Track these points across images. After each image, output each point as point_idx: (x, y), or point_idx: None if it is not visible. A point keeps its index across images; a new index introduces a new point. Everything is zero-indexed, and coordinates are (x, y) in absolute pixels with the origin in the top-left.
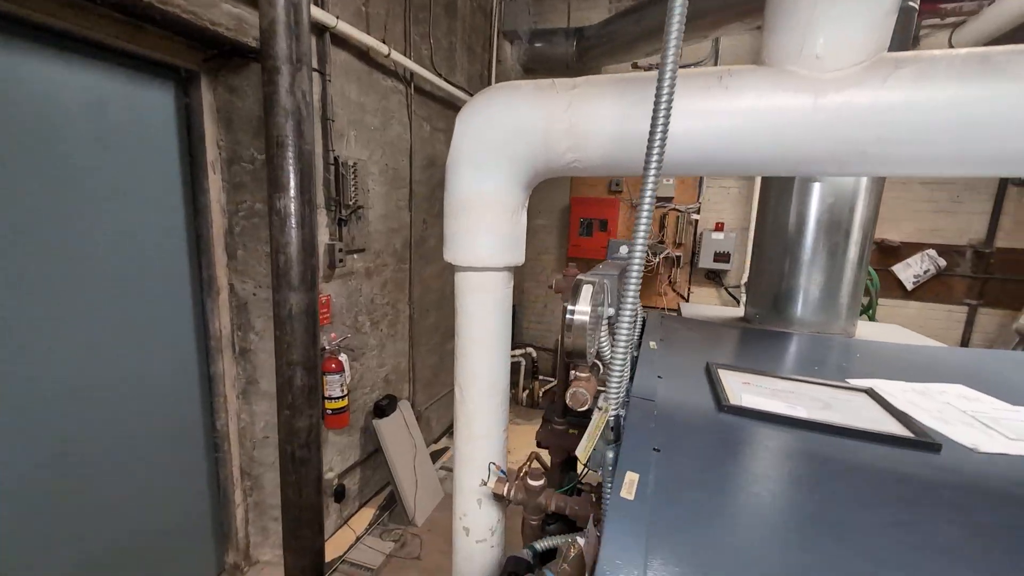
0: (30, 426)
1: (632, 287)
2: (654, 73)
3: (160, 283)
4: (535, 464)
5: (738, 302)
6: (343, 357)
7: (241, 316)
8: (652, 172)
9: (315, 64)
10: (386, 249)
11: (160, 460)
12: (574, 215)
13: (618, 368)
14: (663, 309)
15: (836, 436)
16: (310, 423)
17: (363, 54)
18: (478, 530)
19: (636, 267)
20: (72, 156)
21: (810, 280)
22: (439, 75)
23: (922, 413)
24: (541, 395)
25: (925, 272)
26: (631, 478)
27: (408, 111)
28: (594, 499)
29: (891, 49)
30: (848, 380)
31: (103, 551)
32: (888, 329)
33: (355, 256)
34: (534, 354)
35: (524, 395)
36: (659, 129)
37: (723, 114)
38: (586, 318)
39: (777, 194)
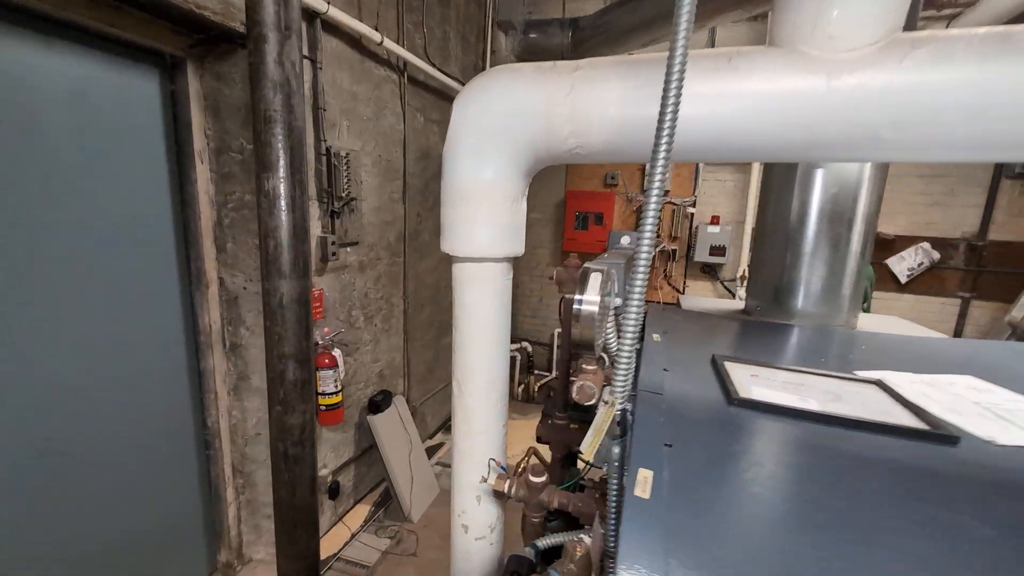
0: (12, 425)
1: (640, 275)
2: (660, 54)
3: (147, 277)
4: (534, 460)
5: (733, 295)
6: (337, 352)
7: (231, 310)
8: (661, 156)
9: (306, 51)
10: (380, 242)
11: (149, 458)
12: (569, 209)
13: (625, 360)
14: (659, 303)
15: (851, 429)
16: (303, 420)
17: (355, 42)
18: (477, 528)
19: (644, 254)
20: (52, 146)
21: (812, 272)
22: (433, 65)
23: (934, 405)
24: (536, 390)
25: (919, 265)
26: (644, 475)
27: (401, 101)
28: (598, 496)
29: None
30: (856, 372)
31: (91, 551)
32: (888, 321)
33: (348, 249)
34: (529, 349)
35: (519, 390)
36: (669, 111)
37: (731, 96)
38: (595, 308)
39: (779, 184)
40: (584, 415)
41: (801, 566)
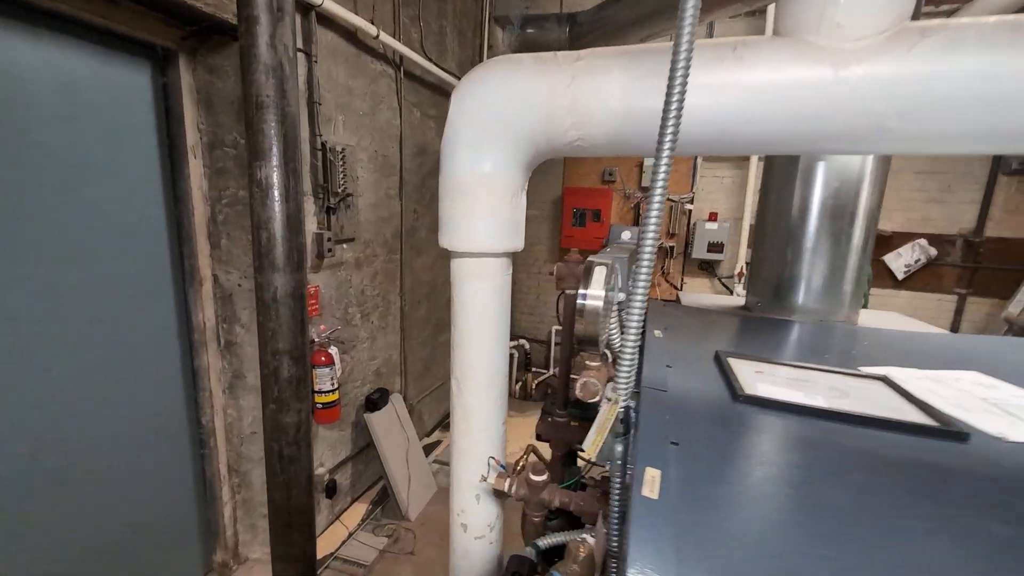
0: (3, 423)
1: (644, 269)
2: (664, 45)
3: (140, 274)
4: (534, 458)
5: (731, 292)
6: (333, 350)
7: (226, 308)
8: (666, 148)
9: (300, 44)
10: (376, 239)
11: (143, 457)
12: (567, 205)
13: (628, 357)
14: (657, 300)
15: (859, 426)
16: (299, 419)
17: (351, 35)
18: (476, 527)
19: (649, 247)
20: (40, 141)
21: (813, 267)
22: (429, 59)
23: (941, 401)
24: (534, 387)
25: (916, 262)
26: (652, 474)
27: (398, 96)
28: (600, 494)
29: None
30: (860, 368)
31: (86, 550)
32: (889, 317)
33: (344, 246)
34: (527, 346)
35: (517, 388)
36: (674, 102)
37: (736, 87)
38: (599, 303)
39: (780, 179)
40: (584, 412)
41: (818, 570)
